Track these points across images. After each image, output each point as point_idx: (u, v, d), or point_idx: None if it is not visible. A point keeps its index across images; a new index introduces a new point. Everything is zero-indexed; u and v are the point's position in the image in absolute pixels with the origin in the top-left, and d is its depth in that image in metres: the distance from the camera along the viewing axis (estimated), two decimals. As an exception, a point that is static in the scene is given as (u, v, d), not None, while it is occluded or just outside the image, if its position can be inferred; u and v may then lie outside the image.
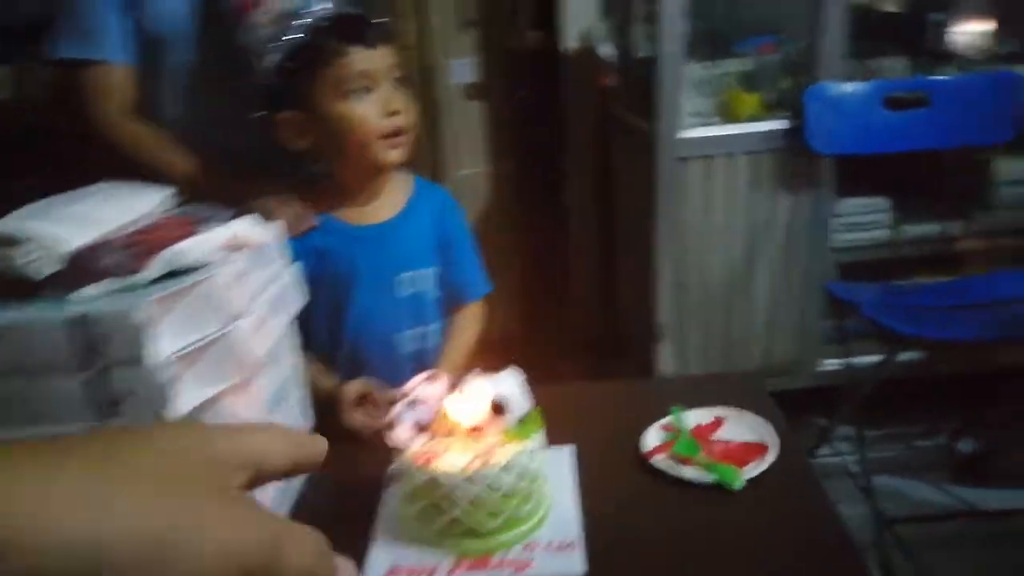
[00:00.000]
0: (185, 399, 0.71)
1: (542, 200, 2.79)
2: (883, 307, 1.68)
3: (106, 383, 0.67)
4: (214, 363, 0.74)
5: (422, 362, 1.15)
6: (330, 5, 1.07)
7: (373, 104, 1.04)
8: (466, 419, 0.81)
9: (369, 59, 1.03)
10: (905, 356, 2.00)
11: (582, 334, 2.79)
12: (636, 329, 2.32)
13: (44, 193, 0.81)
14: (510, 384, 0.82)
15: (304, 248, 1.10)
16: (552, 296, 2.85)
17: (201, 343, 0.72)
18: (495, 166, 2.79)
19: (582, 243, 2.75)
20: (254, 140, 1.11)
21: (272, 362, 0.86)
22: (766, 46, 2.05)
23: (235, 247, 0.80)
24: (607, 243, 2.70)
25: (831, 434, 2.01)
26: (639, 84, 2.22)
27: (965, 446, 2.00)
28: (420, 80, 2.64)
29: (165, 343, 0.70)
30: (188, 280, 0.73)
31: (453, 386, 0.84)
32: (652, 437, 0.97)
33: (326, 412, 1.06)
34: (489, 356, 1.21)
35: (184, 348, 0.71)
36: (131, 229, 0.78)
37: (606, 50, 2.58)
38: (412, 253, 1.12)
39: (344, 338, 1.13)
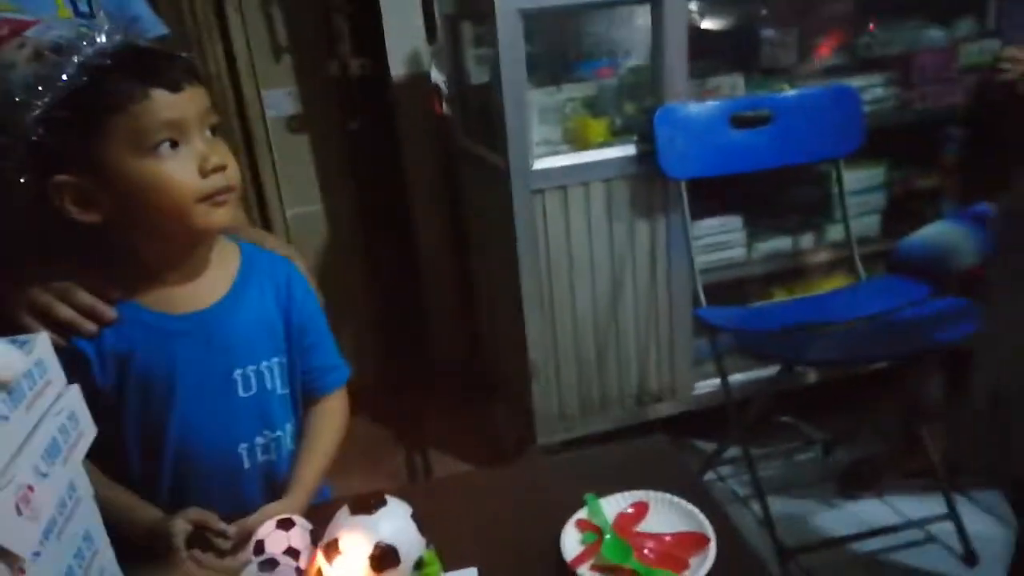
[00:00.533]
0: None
1: (388, 236, 2.58)
2: (753, 334, 1.63)
3: None
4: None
5: (271, 478, 0.91)
6: (107, 39, 0.82)
7: (186, 161, 0.80)
8: (344, 578, 0.60)
9: (175, 104, 0.79)
10: (755, 374, 2.00)
11: (446, 375, 2.61)
12: (506, 367, 2.17)
13: None
14: (396, 522, 0.63)
15: (100, 351, 0.84)
16: (409, 339, 2.65)
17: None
18: (331, 202, 2.56)
19: (436, 278, 2.57)
20: (18, 211, 0.84)
21: (54, 534, 0.61)
22: (604, 69, 1.97)
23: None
24: (462, 276, 2.54)
25: (718, 458, 1.95)
26: (479, 112, 2.08)
27: (840, 456, 2.00)
28: (234, 114, 2.37)
29: None
30: None
31: (320, 532, 0.63)
32: (571, 541, 0.80)
33: (146, 558, 0.80)
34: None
35: None
36: None
37: (437, 75, 2.43)
38: (249, 343, 0.89)
39: (165, 458, 0.88)
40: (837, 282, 2.01)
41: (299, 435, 0.94)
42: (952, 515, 1.66)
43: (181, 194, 0.80)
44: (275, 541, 0.63)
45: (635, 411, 2.06)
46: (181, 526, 0.81)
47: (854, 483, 1.89)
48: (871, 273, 1.94)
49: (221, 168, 0.82)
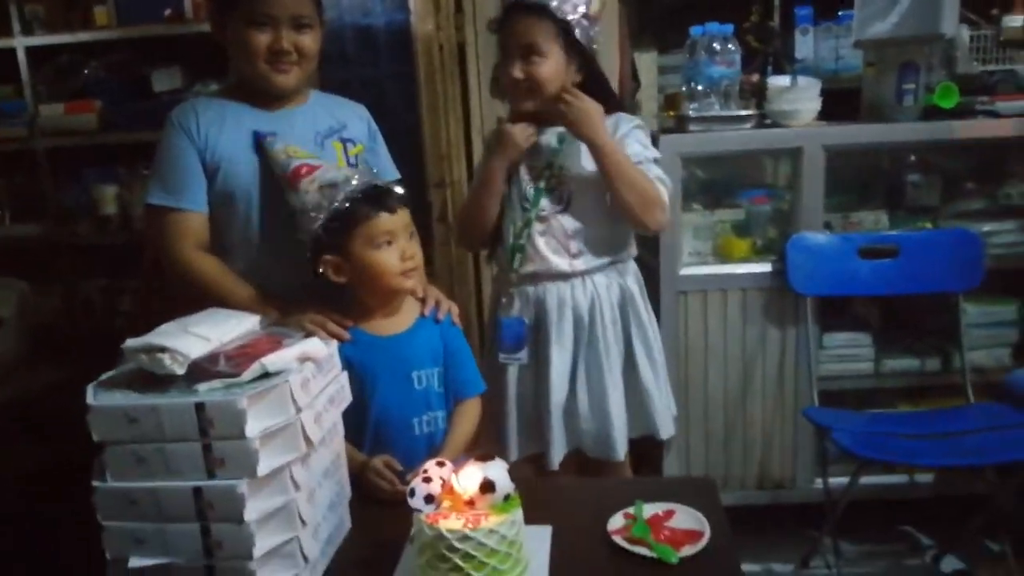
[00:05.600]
0: (264, 464, 1.01)
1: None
2: (852, 433, 1.91)
3: (214, 450, 0.98)
4: (285, 441, 1.05)
5: (432, 442, 1.45)
6: (360, 181, 1.40)
7: (394, 253, 1.39)
8: (464, 494, 1.09)
9: (392, 221, 1.39)
10: (880, 479, 2.21)
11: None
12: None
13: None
14: (497, 470, 1.10)
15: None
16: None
17: (277, 427, 1.03)
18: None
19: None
20: (304, 274, 1.44)
21: (325, 444, 1.16)
22: (759, 198, 2.37)
23: (305, 359, 1.11)
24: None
25: (819, 548, 2.18)
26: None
27: (947, 565, 2.15)
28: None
29: (254, 426, 1.00)
30: (272, 383, 1.04)
31: (456, 469, 1.12)
32: (616, 522, 1.23)
33: (357, 481, 1.35)
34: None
35: (265, 429, 1.02)
36: (236, 344, 1.11)
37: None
38: (421, 357, 1.45)
39: (368, 425, 1.43)
40: (958, 403, 2.19)
41: (449, 420, 1.47)
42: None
43: (390, 271, 1.39)
44: (432, 468, 1.12)
45: (755, 494, 2.35)
46: (379, 463, 1.36)
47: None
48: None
49: (412, 256, 1.41)
